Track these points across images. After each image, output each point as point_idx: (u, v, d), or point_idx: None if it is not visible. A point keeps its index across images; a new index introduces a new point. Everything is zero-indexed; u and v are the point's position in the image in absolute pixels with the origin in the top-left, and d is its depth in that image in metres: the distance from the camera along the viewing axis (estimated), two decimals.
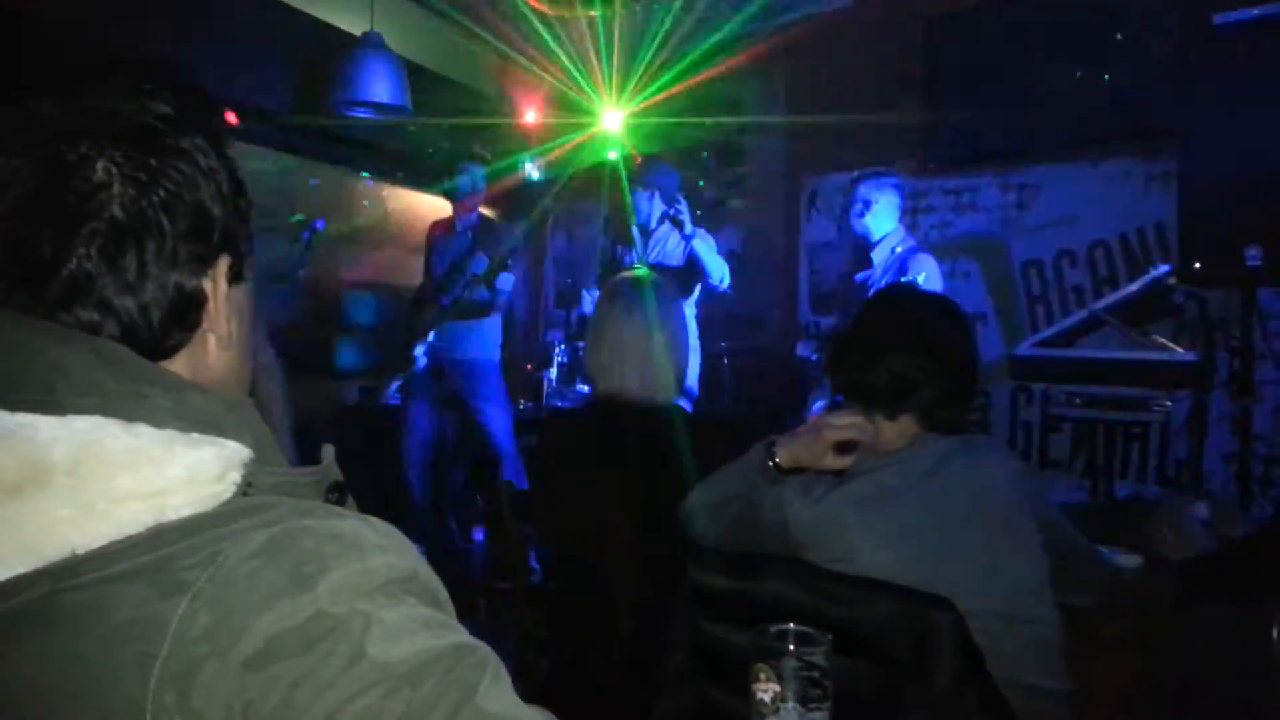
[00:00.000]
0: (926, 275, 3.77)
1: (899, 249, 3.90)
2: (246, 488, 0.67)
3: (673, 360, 2.11)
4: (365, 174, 5.86)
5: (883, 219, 3.98)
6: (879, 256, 3.95)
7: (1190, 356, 3.11)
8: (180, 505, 0.63)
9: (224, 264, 0.77)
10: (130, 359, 0.68)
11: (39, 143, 0.69)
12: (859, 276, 4.04)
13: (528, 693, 0.65)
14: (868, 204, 3.97)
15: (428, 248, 4.84)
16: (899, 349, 1.61)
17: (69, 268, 0.68)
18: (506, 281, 4.59)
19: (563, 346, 4.88)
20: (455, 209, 4.73)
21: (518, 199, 5.64)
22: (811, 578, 1.44)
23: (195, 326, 0.76)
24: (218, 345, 0.78)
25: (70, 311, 0.69)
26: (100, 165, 0.69)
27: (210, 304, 0.76)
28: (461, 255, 4.57)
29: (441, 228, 4.82)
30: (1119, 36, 4.35)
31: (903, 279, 3.76)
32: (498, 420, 4.54)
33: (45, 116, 0.70)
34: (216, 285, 0.76)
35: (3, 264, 0.68)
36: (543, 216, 5.89)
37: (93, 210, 0.68)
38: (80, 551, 0.60)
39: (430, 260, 4.78)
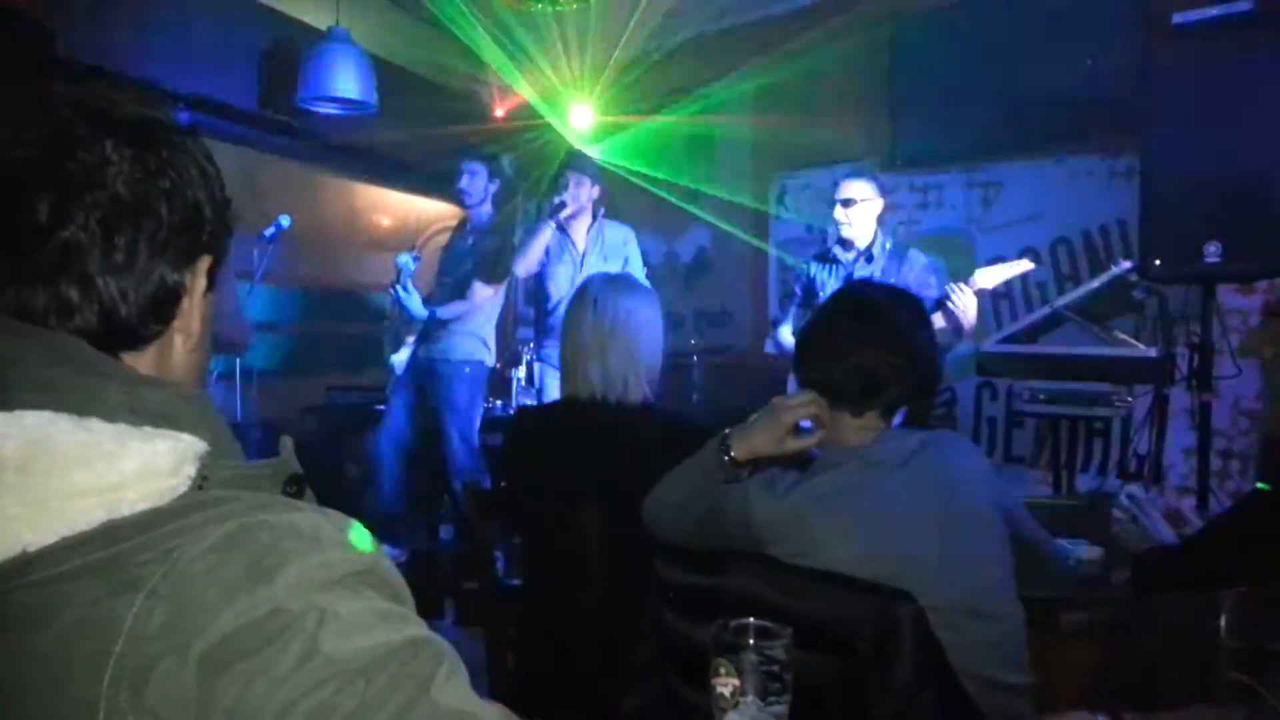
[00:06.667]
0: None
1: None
2: (202, 481, 0.66)
3: (640, 358, 2.11)
4: (329, 170, 5.79)
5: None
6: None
7: (1151, 352, 3.14)
8: (134, 500, 0.62)
9: (205, 264, 0.78)
10: (85, 353, 0.67)
11: (51, 114, 0.69)
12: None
13: (496, 690, 0.65)
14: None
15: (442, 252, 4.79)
16: (865, 345, 1.60)
17: (62, 235, 0.67)
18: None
19: (532, 345, 4.81)
20: (467, 210, 4.63)
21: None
22: (775, 573, 1.44)
23: (170, 320, 0.75)
24: (184, 344, 0.78)
25: (52, 286, 0.68)
26: (110, 143, 0.69)
27: (186, 300, 0.76)
28: (462, 259, 4.52)
29: (455, 231, 4.74)
30: (1081, 35, 4.38)
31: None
32: (452, 431, 4.42)
33: (60, 93, 0.70)
34: (195, 282, 0.77)
35: None
36: (511, 212, 5.84)
37: (97, 182, 0.68)
38: (31, 549, 0.60)
39: (441, 264, 4.71)
